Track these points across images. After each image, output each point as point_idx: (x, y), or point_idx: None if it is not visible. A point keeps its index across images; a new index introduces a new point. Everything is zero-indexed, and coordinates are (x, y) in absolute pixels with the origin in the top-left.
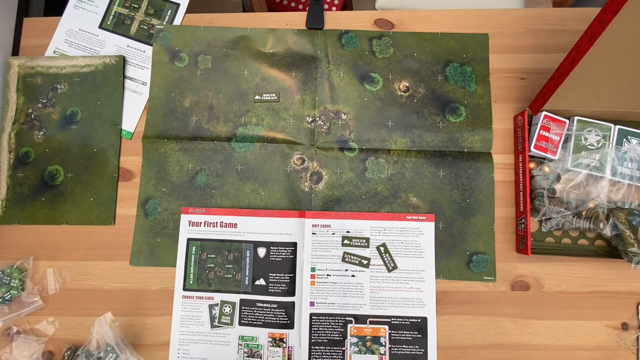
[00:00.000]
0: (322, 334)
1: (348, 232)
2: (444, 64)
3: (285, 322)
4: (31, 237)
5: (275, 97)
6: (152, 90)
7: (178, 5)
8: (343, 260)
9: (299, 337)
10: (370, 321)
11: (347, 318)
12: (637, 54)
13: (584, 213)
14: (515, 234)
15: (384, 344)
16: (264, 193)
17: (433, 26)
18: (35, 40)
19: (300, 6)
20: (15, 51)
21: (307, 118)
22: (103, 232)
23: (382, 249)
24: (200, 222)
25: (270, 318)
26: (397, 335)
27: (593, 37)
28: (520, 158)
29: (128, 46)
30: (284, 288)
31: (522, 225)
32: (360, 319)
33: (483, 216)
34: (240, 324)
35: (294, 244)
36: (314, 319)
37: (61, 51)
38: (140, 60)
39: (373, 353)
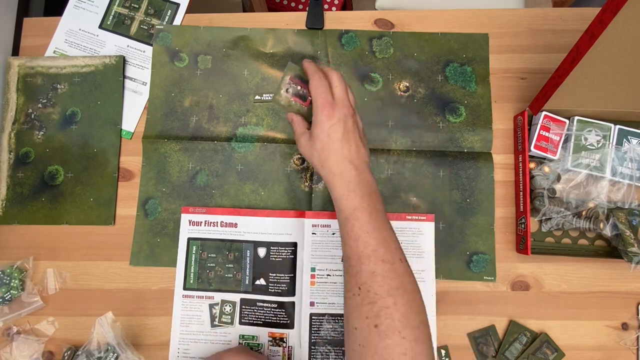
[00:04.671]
0: (322, 334)
1: None
2: (444, 64)
3: (285, 322)
4: (31, 237)
5: None
6: (152, 90)
7: (178, 5)
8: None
9: (299, 337)
10: None
11: None
12: (637, 54)
13: (584, 213)
14: (515, 234)
15: None
16: (264, 193)
17: (433, 26)
18: (35, 40)
19: (300, 6)
20: (15, 51)
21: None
22: (103, 232)
23: None
24: (201, 222)
25: (270, 318)
26: None
27: (593, 37)
28: (520, 158)
29: (128, 46)
30: (284, 288)
31: (522, 225)
32: None
33: (483, 216)
34: (241, 323)
35: (294, 244)
36: (314, 319)
37: (61, 51)
38: (140, 60)
39: None
